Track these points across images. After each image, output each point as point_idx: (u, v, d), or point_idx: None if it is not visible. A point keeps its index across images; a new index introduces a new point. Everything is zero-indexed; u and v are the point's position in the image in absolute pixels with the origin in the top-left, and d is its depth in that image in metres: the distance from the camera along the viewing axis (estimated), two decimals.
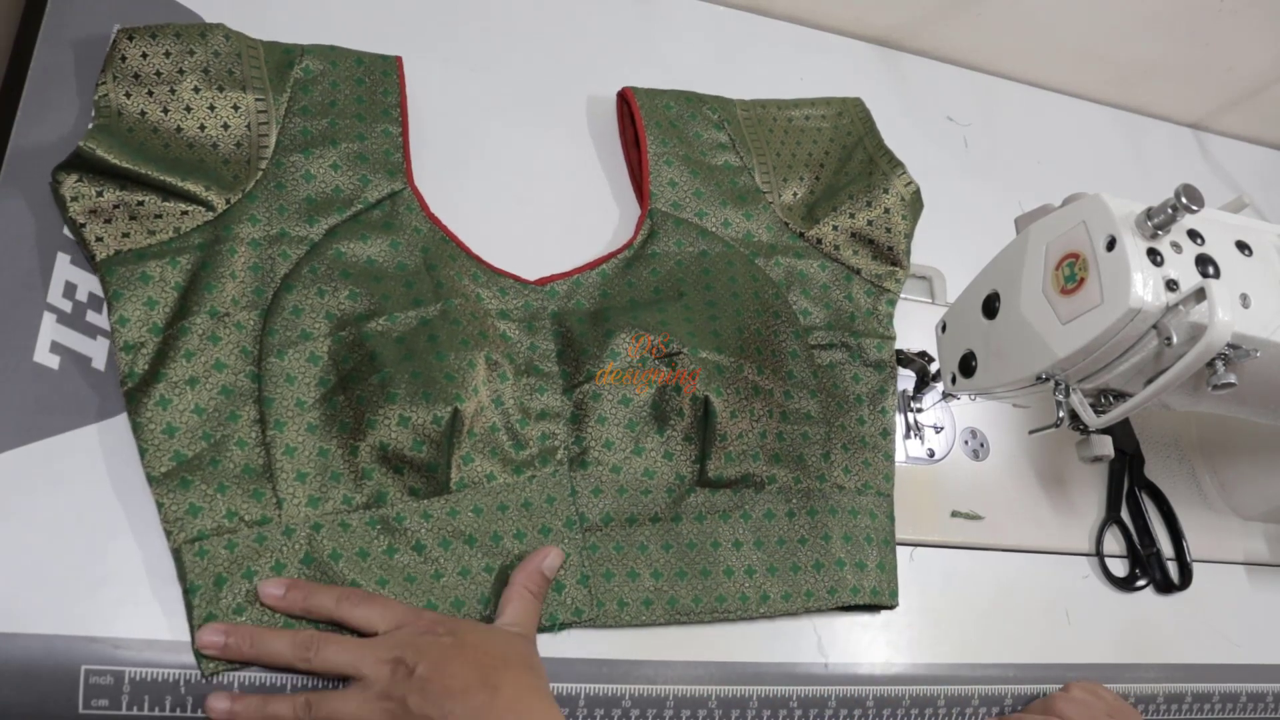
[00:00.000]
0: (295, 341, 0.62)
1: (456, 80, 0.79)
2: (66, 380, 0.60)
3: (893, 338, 0.78)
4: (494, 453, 0.64)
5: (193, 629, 0.56)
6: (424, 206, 0.70)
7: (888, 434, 0.74)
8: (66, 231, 0.63)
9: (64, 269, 0.62)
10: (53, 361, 0.60)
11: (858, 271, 0.79)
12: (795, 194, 0.80)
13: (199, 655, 0.55)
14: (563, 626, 0.62)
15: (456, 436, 0.61)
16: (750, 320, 0.72)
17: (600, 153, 0.81)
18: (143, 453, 0.58)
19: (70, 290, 0.62)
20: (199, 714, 0.56)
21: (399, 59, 0.75)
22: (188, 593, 0.56)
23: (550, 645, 0.62)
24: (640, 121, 0.79)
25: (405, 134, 0.72)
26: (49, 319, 0.61)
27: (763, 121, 0.83)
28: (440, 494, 0.62)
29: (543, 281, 0.71)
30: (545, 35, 0.85)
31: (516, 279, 0.70)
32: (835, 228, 0.79)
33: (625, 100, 0.81)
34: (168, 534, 0.57)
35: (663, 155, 0.78)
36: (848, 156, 0.83)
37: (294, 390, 0.61)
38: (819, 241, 0.78)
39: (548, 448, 0.66)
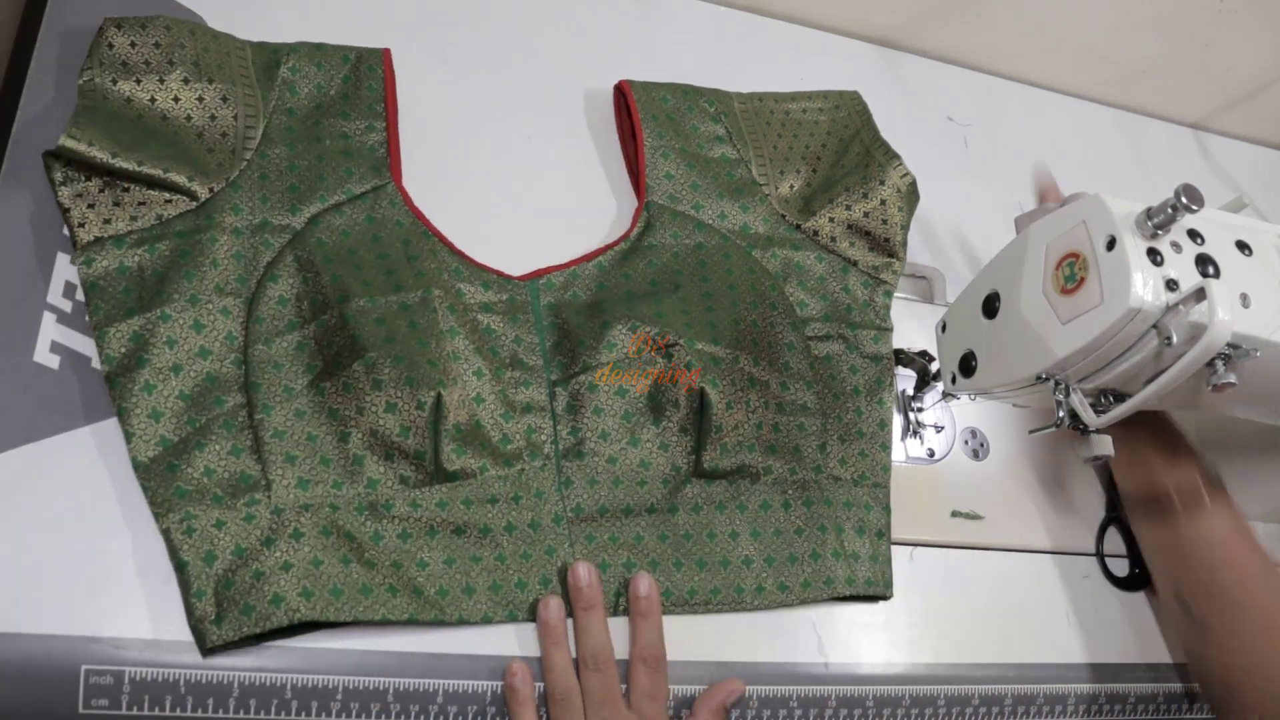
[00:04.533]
0: (282, 331, 0.63)
1: (455, 79, 0.79)
2: (66, 380, 0.60)
3: (890, 329, 0.78)
4: (483, 446, 0.64)
5: (187, 604, 0.56)
6: (407, 200, 0.70)
7: (885, 425, 0.74)
8: (66, 231, 0.63)
9: (64, 269, 0.62)
10: (53, 361, 0.60)
11: (854, 263, 0.79)
12: (792, 186, 0.81)
13: (196, 630, 0.55)
14: None
15: (442, 423, 0.61)
16: (747, 312, 0.73)
17: (599, 149, 0.82)
18: (129, 437, 0.58)
19: (70, 290, 0.62)
20: (199, 714, 0.56)
21: (386, 52, 0.75)
22: (178, 569, 0.56)
23: None
24: (636, 114, 0.79)
25: (392, 129, 0.72)
26: (49, 319, 0.61)
27: (760, 114, 0.83)
28: (430, 483, 0.62)
29: (538, 273, 0.72)
30: (545, 35, 0.85)
31: (499, 274, 0.70)
32: (832, 220, 0.79)
33: (622, 93, 0.81)
34: (156, 516, 0.57)
35: (659, 148, 0.78)
36: (844, 149, 0.83)
37: (281, 377, 0.62)
38: (815, 233, 0.79)
39: (534, 442, 0.66)
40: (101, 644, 0.55)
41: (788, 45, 0.94)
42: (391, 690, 0.59)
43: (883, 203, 0.78)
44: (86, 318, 0.61)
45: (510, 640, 0.62)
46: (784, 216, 0.79)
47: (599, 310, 0.70)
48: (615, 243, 0.74)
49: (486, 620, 0.61)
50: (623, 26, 0.88)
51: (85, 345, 0.61)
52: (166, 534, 0.57)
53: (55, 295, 0.61)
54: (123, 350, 0.60)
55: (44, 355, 0.60)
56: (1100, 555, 0.80)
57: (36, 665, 0.54)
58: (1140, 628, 0.79)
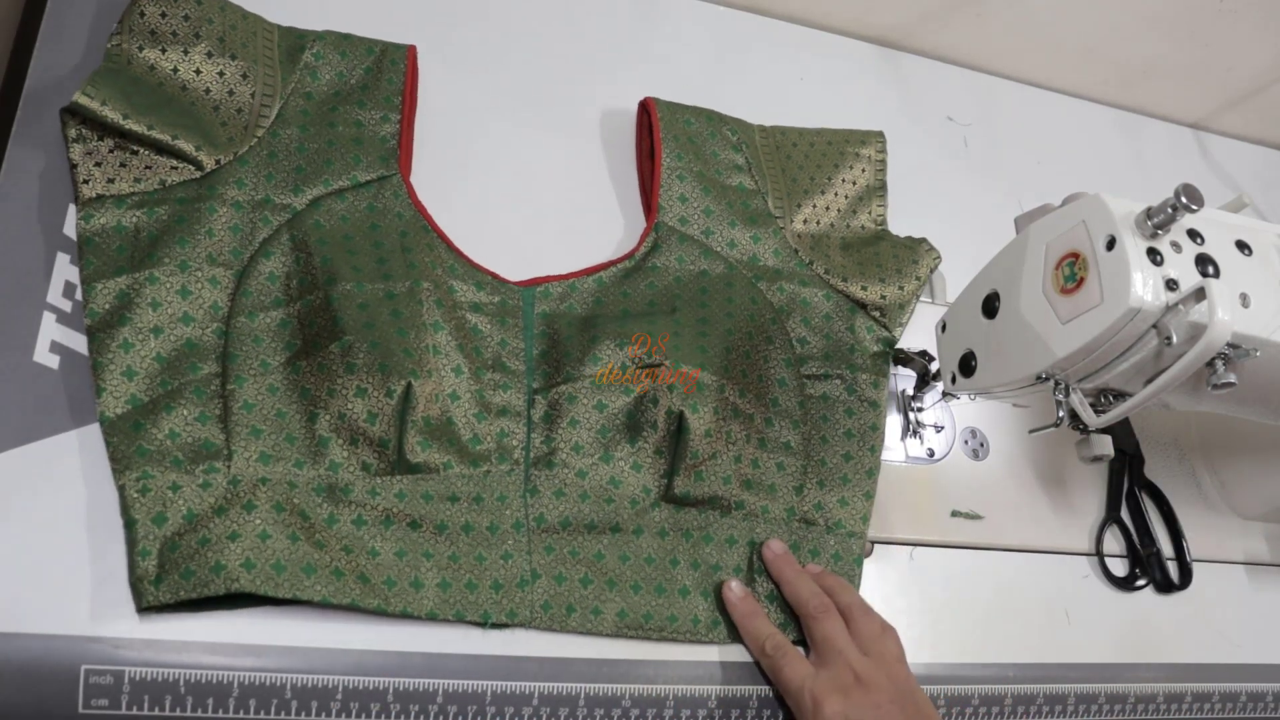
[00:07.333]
0: (267, 307, 0.63)
1: (456, 79, 0.79)
2: (66, 380, 0.60)
3: (888, 377, 0.77)
4: (451, 443, 0.64)
5: (130, 561, 0.55)
6: (412, 194, 0.70)
7: (873, 474, 0.73)
8: (66, 231, 0.63)
9: (64, 269, 0.62)
10: (53, 361, 0.60)
11: (863, 306, 0.78)
12: (807, 222, 0.80)
13: (135, 588, 0.55)
14: (495, 626, 0.61)
15: (410, 414, 0.61)
16: (740, 342, 0.72)
17: (603, 154, 0.81)
18: (99, 391, 0.59)
19: (70, 290, 0.62)
20: (199, 714, 0.56)
21: (412, 49, 0.75)
22: (127, 527, 0.56)
23: (550, 645, 0.62)
24: (659, 134, 0.79)
25: (406, 124, 0.72)
26: (49, 319, 0.61)
27: (781, 148, 0.83)
28: (392, 473, 0.62)
29: (537, 281, 0.71)
30: (545, 35, 0.85)
31: (495, 276, 0.70)
32: (844, 262, 0.78)
33: (646, 111, 0.81)
34: (114, 473, 0.57)
35: (676, 170, 0.78)
36: (865, 195, 0.83)
37: (259, 351, 0.62)
38: (826, 272, 0.78)
39: (505, 445, 0.66)
40: (101, 644, 0.55)
41: (788, 45, 0.94)
42: (391, 690, 0.59)
43: (916, 280, 0.79)
44: (79, 273, 0.61)
45: (512, 640, 0.62)
46: (796, 251, 0.78)
47: (591, 325, 0.70)
48: (619, 260, 0.74)
49: (432, 617, 0.60)
50: (623, 26, 0.88)
51: (85, 345, 0.61)
52: (121, 490, 0.57)
53: (55, 295, 0.61)
54: (107, 306, 0.61)
55: (44, 355, 0.60)
56: (1100, 555, 0.80)
57: (36, 665, 0.54)
58: (1140, 628, 0.78)
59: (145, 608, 0.55)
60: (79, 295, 0.62)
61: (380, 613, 0.59)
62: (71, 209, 0.63)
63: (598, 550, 0.65)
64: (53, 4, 0.69)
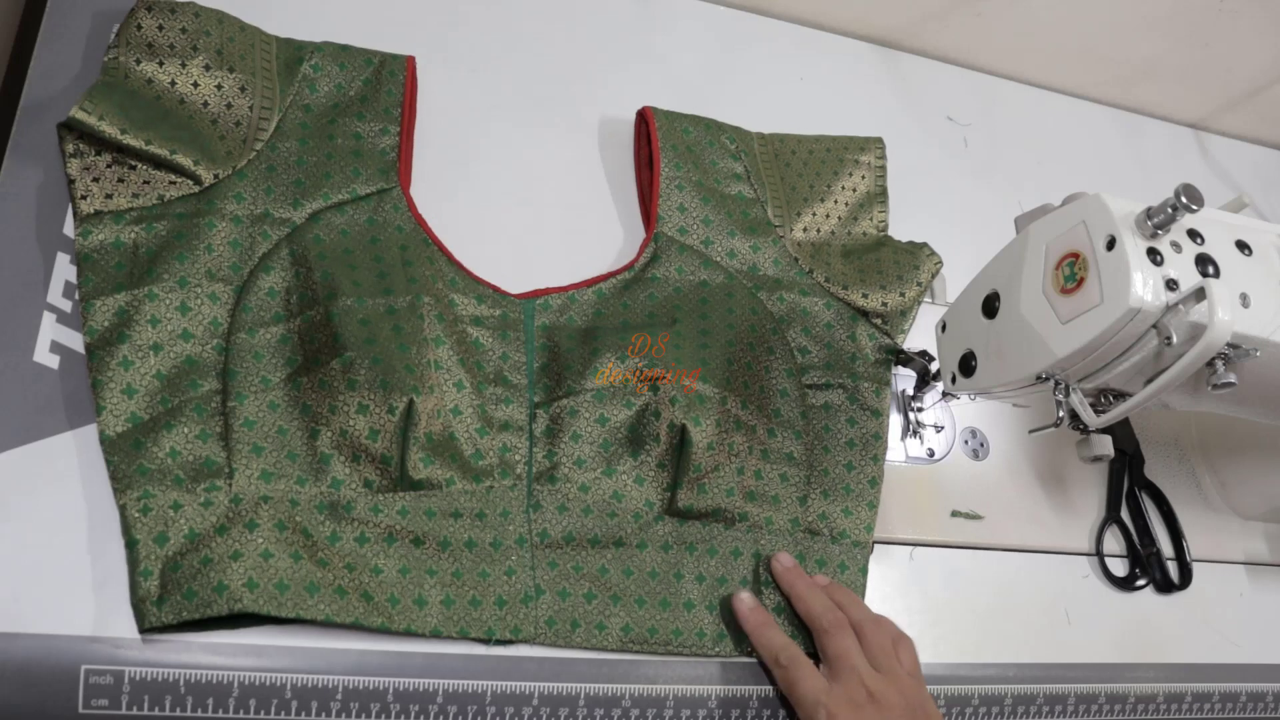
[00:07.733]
0: (267, 322, 0.63)
1: (453, 82, 0.79)
2: (66, 380, 0.60)
3: (890, 385, 0.77)
4: (453, 458, 0.63)
5: (132, 582, 0.55)
6: (412, 207, 0.70)
7: (875, 483, 0.73)
8: (66, 231, 0.63)
9: (64, 269, 0.62)
10: (53, 361, 0.60)
11: (865, 314, 0.78)
12: (807, 231, 0.80)
13: (137, 609, 0.55)
14: (499, 642, 0.61)
15: (412, 430, 0.61)
16: (742, 353, 0.71)
17: (603, 161, 0.81)
18: (99, 410, 0.58)
19: (70, 290, 0.62)
20: (199, 714, 0.56)
21: (410, 60, 0.75)
22: (128, 547, 0.56)
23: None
24: (656, 143, 0.78)
25: (406, 136, 0.72)
26: (49, 319, 0.61)
27: (780, 155, 0.82)
28: (395, 489, 0.61)
29: (536, 293, 0.71)
30: (544, 36, 0.85)
31: (495, 289, 0.70)
32: (845, 270, 0.78)
33: (644, 120, 0.81)
34: (115, 492, 0.57)
35: (675, 179, 0.77)
36: (866, 201, 0.82)
37: (260, 367, 0.62)
38: (827, 280, 0.78)
39: (507, 460, 0.65)
40: (101, 644, 0.55)
41: (788, 45, 0.94)
42: (391, 690, 0.59)
43: (918, 286, 0.79)
44: (77, 290, 0.61)
45: None
46: (797, 260, 0.78)
47: (591, 337, 0.69)
48: (618, 271, 0.74)
49: (436, 634, 0.59)
50: (622, 26, 0.88)
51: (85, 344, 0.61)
52: (122, 510, 0.57)
53: (55, 295, 0.61)
54: (106, 324, 0.60)
55: (44, 355, 0.60)
56: (1100, 555, 0.80)
57: (36, 665, 0.54)
58: (1140, 628, 0.79)
59: (148, 629, 0.55)
60: (79, 295, 0.62)
61: (384, 631, 0.59)
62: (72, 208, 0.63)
63: (601, 565, 0.65)
64: (51, 9, 0.69)
